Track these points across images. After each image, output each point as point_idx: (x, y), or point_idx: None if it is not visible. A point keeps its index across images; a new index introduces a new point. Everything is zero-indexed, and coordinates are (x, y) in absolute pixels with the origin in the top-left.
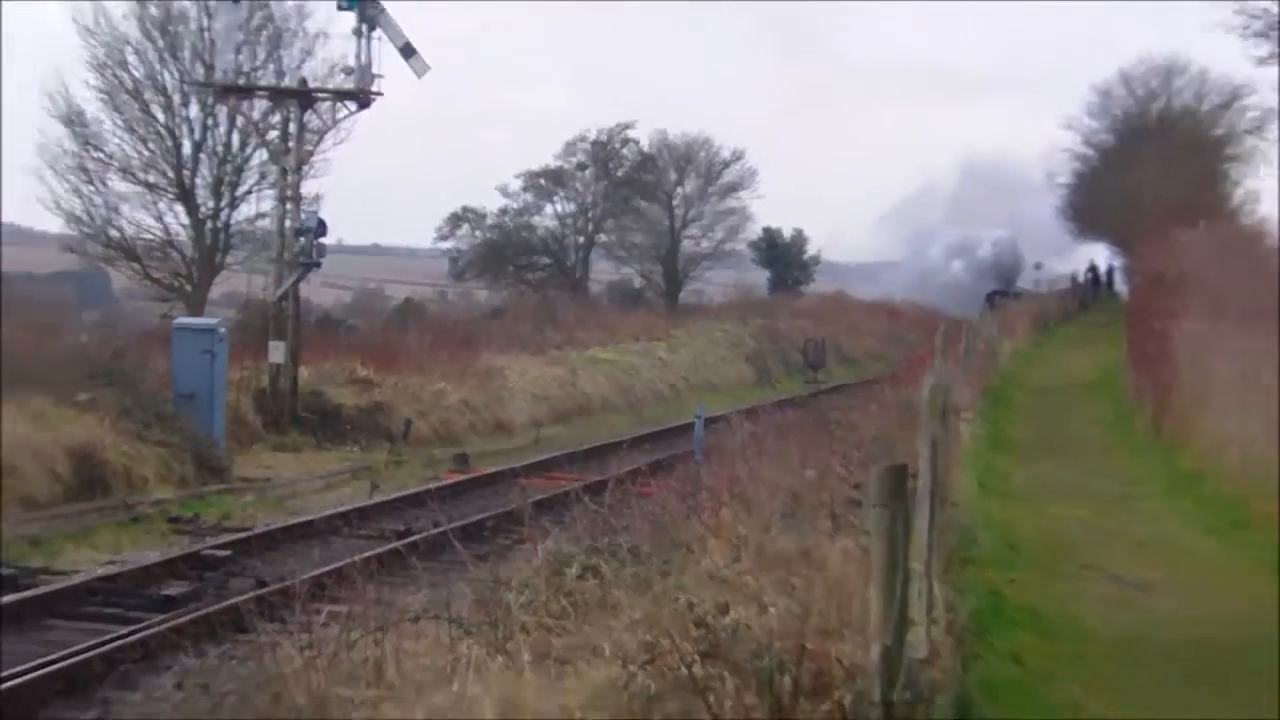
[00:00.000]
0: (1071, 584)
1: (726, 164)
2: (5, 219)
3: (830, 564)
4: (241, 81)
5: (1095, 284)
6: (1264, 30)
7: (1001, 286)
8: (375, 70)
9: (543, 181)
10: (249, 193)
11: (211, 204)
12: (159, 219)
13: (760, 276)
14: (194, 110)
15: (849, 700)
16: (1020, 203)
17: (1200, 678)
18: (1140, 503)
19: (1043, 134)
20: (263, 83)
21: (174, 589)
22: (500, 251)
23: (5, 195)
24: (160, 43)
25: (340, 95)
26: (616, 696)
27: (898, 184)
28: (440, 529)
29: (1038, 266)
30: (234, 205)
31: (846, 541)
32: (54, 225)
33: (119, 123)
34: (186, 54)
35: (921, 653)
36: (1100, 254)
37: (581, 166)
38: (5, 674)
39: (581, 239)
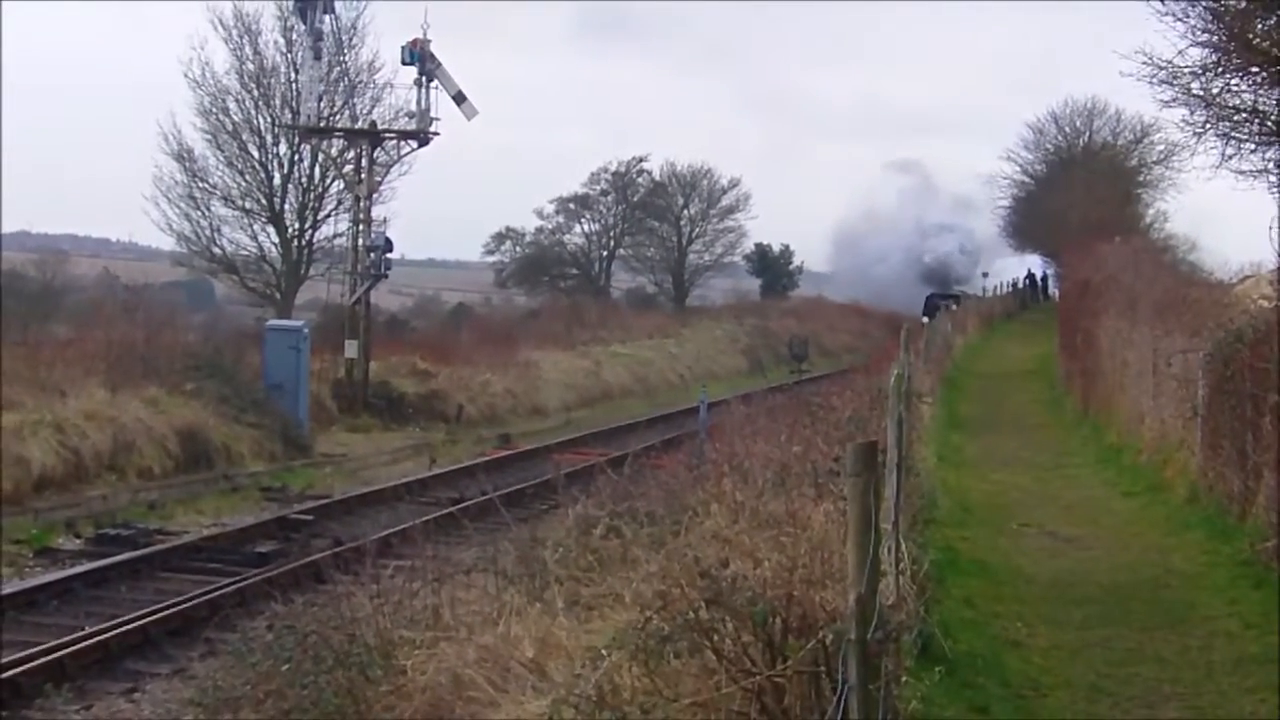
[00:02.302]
0: (1014, 539)
1: (725, 190)
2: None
3: (814, 524)
4: (322, 124)
5: (1032, 289)
6: (1166, 79)
7: (939, 290)
8: (433, 114)
9: (572, 205)
10: (328, 216)
11: (297, 226)
12: (254, 238)
13: (753, 284)
14: (283, 148)
15: (830, 639)
16: (970, 219)
17: (1117, 614)
18: (1070, 471)
19: (982, 165)
20: (339, 125)
21: (265, 547)
22: (537, 264)
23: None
24: (255, 92)
25: (404, 135)
26: (635, 636)
27: (852, 202)
28: (487, 496)
29: (985, 275)
30: (315, 227)
31: (827, 505)
32: (166, 243)
33: (221, 159)
34: (277, 102)
35: (891, 599)
36: (1036, 263)
37: (604, 193)
38: (129, 616)
39: (604, 253)
